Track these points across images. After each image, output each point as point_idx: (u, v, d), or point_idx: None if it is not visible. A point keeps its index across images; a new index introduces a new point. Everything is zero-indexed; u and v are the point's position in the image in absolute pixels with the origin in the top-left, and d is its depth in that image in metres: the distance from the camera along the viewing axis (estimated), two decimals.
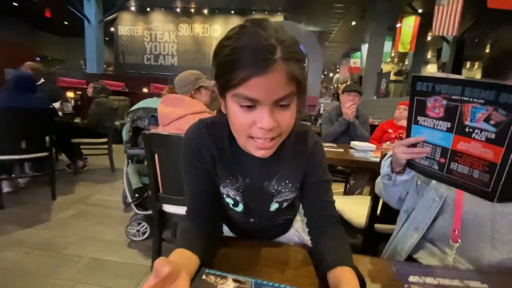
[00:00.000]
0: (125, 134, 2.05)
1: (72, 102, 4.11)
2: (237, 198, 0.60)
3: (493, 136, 0.47)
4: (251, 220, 0.65)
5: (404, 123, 2.55)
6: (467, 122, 0.51)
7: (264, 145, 0.48)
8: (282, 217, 0.71)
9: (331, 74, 23.37)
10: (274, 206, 0.62)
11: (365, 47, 10.25)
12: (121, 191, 2.18)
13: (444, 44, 8.50)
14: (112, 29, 11.12)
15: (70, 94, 4.42)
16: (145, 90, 6.26)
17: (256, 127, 0.46)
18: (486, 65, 0.66)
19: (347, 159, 1.63)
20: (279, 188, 0.60)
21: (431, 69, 14.30)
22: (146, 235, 1.77)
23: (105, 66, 10.73)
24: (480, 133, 0.49)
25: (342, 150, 1.81)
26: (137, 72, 10.29)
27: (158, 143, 1.19)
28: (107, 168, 3.17)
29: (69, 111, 3.42)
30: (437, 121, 0.56)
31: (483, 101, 0.47)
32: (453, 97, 0.52)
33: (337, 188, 2.66)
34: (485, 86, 0.47)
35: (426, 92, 0.56)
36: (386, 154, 0.81)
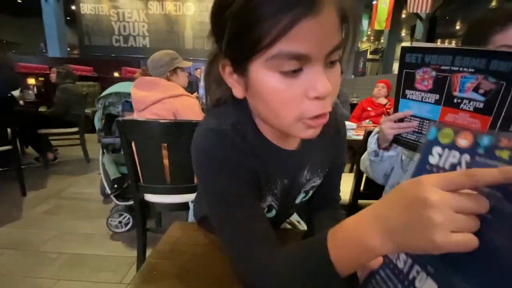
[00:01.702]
0: (98, 122, 1.93)
1: (35, 89, 3.77)
2: (273, 204, 0.48)
3: (481, 105, 0.47)
4: (275, 217, 0.54)
5: (382, 100, 2.61)
6: (456, 93, 0.50)
7: (319, 122, 0.35)
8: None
9: None
10: (301, 197, 0.53)
11: None
12: (98, 183, 2.08)
13: (418, 21, 8.68)
14: (73, 7, 10.15)
15: (31, 81, 4.04)
16: (116, 74, 5.88)
17: (308, 99, 0.32)
18: (465, 35, 0.69)
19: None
20: (310, 177, 0.51)
21: None
22: (129, 226, 1.71)
23: (69, 49, 9.90)
24: (469, 103, 0.48)
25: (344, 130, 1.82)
26: (105, 55, 9.60)
27: (134, 130, 1.12)
28: (81, 159, 2.99)
29: (31, 99, 3.15)
30: (426, 93, 0.55)
31: (473, 70, 0.47)
32: (442, 67, 0.51)
33: None
34: (476, 53, 0.46)
35: (416, 64, 0.55)
36: (370, 131, 0.81)
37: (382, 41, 14.23)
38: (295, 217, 0.75)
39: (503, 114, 0.45)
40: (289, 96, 0.32)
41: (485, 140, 0.24)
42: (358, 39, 0.36)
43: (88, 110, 3.05)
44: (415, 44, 0.55)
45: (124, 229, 1.71)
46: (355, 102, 3.09)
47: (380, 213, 0.27)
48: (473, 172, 0.22)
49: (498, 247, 0.21)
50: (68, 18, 10.07)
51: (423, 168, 0.28)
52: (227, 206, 0.39)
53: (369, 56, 10.78)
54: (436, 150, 0.28)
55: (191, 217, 0.70)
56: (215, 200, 0.40)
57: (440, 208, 0.22)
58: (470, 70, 0.47)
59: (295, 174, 0.48)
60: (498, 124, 0.46)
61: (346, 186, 1.21)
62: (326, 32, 0.31)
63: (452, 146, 0.26)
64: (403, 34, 14.12)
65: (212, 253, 0.47)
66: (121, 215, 1.72)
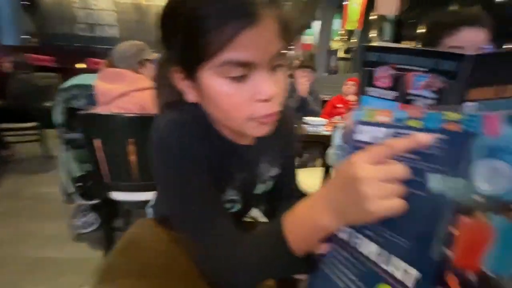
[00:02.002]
0: (57, 116, 1.79)
1: None
2: (235, 198, 0.50)
3: (433, 102, 0.50)
4: (239, 211, 0.55)
5: (351, 97, 2.72)
6: (410, 90, 0.53)
7: (269, 120, 0.38)
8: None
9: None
10: (260, 188, 0.55)
11: (316, 25, 10.44)
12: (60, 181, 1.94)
13: (386, 23, 9.12)
14: None
15: None
16: (81, 65, 5.50)
17: (257, 101, 0.35)
18: (423, 37, 0.74)
19: (301, 134, 1.69)
20: (268, 168, 0.54)
21: None
22: (95, 226, 1.62)
23: (29, 36, 9.05)
24: (422, 100, 0.52)
25: (295, 125, 1.86)
26: (69, 45, 8.91)
27: (97, 124, 1.06)
28: (40, 157, 2.77)
29: None
30: (384, 91, 0.57)
31: (425, 69, 0.50)
32: (399, 66, 0.53)
33: None
34: (428, 54, 0.49)
35: (375, 62, 0.57)
36: (336, 126, 0.84)
37: (354, 40, 14.78)
38: (255, 212, 0.76)
39: None
40: (238, 99, 0.35)
41: (400, 114, 0.29)
42: (297, 45, 0.39)
43: (48, 104, 2.81)
44: (374, 43, 0.58)
45: (89, 229, 1.62)
46: (326, 99, 3.19)
47: (325, 194, 0.31)
48: (392, 143, 0.27)
49: (418, 199, 0.26)
50: (26, 2, 9.17)
51: (353, 146, 0.33)
52: (187, 198, 0.39)
53: (341, 55, 11.14)
54: (362, 128, 0.32)
55: None
56: (176, 192, 0.39)
57: (369, 181, 0.26)
58: (422, 69, 0.50)
59: (252, 167, 0.50)
60: None
61: (316, 179, 1.26)
62: (267, 41, 0.34)
63: (375, 123, 0.31)
64: (373, 35, 14.76)
65: (175, 248, 0.47)
66: (86, 214, 1.62)
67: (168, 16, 0.36)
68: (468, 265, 0.22)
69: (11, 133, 2.63)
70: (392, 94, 0.57)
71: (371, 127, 0.31)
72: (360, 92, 0.64)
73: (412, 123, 0.28)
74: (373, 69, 0.59)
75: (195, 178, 0.39)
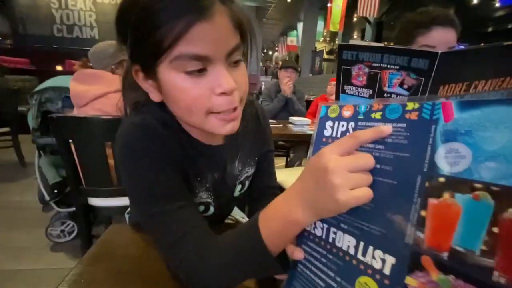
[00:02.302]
0: (32, 120, 1.70)
1: None
2: (209, 200, 0.48)
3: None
4: (215, 214, 0.54)
5: (334, 97, 2.76)
6: (385, 88, 0.54)
7: (231, 116, 0.38)
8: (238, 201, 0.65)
9: (270, 52, 23.67)
10: (237, 189, 0.55)
11: (300, 26, 10.58)
12: (36, 189, 1.84)
13: (367, 25, 9.37)
14: None
15: None
16: (58, 67, 5.30)
17: (216, 95, 0.35)
18: (397, 34, 0.76)
19: (287, 134, 1.70)
20: (242, 167, 0.53)
21: None
22: (73, 235, 1.55)
23: (0, 38, 8.63)
24: (396, 97, 0.52)
25: (281, 125, 1.86)
26: (45, 46, 8.56)
27: (73, 128, 1.01)
28: (14, 163, 2.63)
29: None
30: (361, 89, 0.58)
31: (398, 67, 0.51)
32: (374, 64, 0.54)
33: (279, 162, 2.77)
34: (400, 52, 0.50)
35: (351, 61, 0.58)
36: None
37: (337, 42, 15.10)
38: (239, 214, 0.75)
39: None
40: (196, 93, 0.35)
41: (362, 108, 0.31)
42: (255, 42, 0.41)
43: (23, 108, 2.67)
44: (351, 42, 0.59)
45: (68, 238, 1.55)
46: (311, 99, 3.23)
47: (298, 188, 0.31)
48: (357, 134, 0.28)
49: (387, 187, 0.27)
50: None
51: (321, 141, 0.34)
52: (154, 200, 0.37)
53: (325, 56, 11.35)
54: (328, 124, 0.34)
55: None
56: (142, 196, 0.38)
57: (338, 171, 0.26)
58: (395, 67, 0.51)
59: (225, 167, 0.49)
60: None
61: None
62: (221, 35, 0.34)
63: (340, 118, 0.33)
64: (355, 36, 15.14)
65: (148, 253, 0.45)
66: (63, 223, 1.55)
67: (122, 12, 0.35)
68: (440, 244, 0.23)
69: None
70: (368, 92, 0.58)
71: (336, 122, 0.33)
72: (339, 90, 0.65)
73: (374, 115, 0.29)
74: (350, 67, 0.59)
75: (158, 179, 0.38)
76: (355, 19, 11.47)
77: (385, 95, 0.55)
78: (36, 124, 1.73)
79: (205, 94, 0.35)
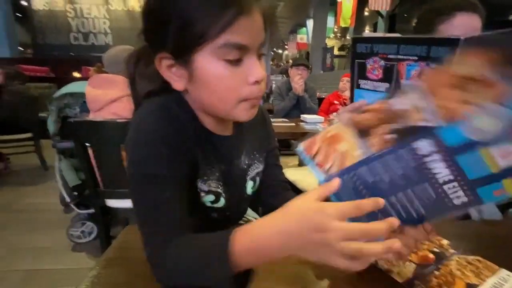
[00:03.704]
0: (51, 126, 1.77)
1: None
2: (219, 190, 0.49)
3: None
4: (227, 213, 0.53)
5: (348, 93, 2.71)
6: (403, 81, 0.51)
7: (256, 103, 0.42)
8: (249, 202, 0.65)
9: (280, 51, 23.56)
10: (249, 186, 0.55)
11: (310, 23, 10.46)
12: (57, 192, 1.91)
13: (379, 18, 9.14)
14: (24, 3, 9.27)
15: None
16: (75, 74, 5.49)
17: (248, 84, 0.38)
18: (415, 24, 0.72)
19: (299, 132, 1.67)
20: (249, 162, 0.54)
21: None
22: (93, 235, 1.60)
23: (22, 48, 9.06)
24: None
25: (293, 124, 1.84)
26: (63, 54, 8.91)
27: (89, 132, 1.04)
28: (37, 167, 2.75)
29: None
30: (377, 82, 0.56)
31: (416, 58, 0.48)
32: (389, 56, 0.52)
33: (292, 161, 2.75)
34: (417, 41, 0.48)
35: (366, 54, 0.56)
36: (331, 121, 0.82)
37: (348, 37, 14.82)
38: (252, 215, 0.74)
39: None
40: (233, 81, 0.38)
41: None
42: (274, 39, 0.42)
43: (44, 114, 2.79)
44: (365, 34, 0.57)
45: (88, 239, 1.60)
46: (323, 96, 3.18)
47: (282, 230, 0.30)
48: (359, 204, 0.29)
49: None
50: (19, 14, 9.19)
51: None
52: (151, 185, 0.38)
53: (336, 52, 11.17)
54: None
55: None
56: (139, 173, 0.38)
57: (338, 240, 0.27)
58: (413, 58, 0.49)
59: (231, 159, 0.50)
60: None
61: (314, 177, 1.24)
62: (257, 28, 0.38)
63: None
64: (366, 31, 14.81)
65: None
66: (83, 224, 1.60)
67: (161, 3, 0.37)
68: None
69: (6, 145, 2.60)
70: (384, 85, 0.56)
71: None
72: (353, 85, 0.62)
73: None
74: (364, 61, 0.57)
75: (162, 160, 0.39)
76: (366, 14, 11.22)
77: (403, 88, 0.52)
78: (55, 129, 1.79)
79: (240, 82, 0.38)
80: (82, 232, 1.59)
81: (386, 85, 0.55)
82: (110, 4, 9.41)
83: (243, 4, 0.35)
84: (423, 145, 0.31)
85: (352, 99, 0.64)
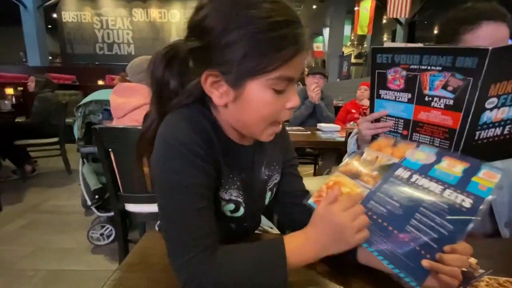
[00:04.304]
0: (77, 131, 1.86)
1: (13, 99, 3.62)
2: (239, 200, 0.50)
3: (451, 102, 0.48)
4: (245, 224, 0.55)
5: (365, 102, 2.66)
6: (426, 91, 0.50)
7: (281, 125, 0.46)
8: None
9: None
10: (268, 196, 0.56)
11: (326, 31, 10.45)
12: (80, 194, 1.99)
13: (398, 26, 8.97)
14: (54, 15, 9.94)
15: (9, 91, 3.88)
16: (100, 82, 5.77)
17: (285, 109, 0.42)
18: (438, 33, 0.70)
19: (315, 141, 1.66)
20: (270, 173, 0.55)
21: None
22: (111, 238, 1.65)
23: (51, 58, 9.65)
24: (439, 100, 0.49)
25: (309, 132, 1.82)
26: (89, 63, 9.42)
27: (112, 138, 1.08)
28: (61, 171, 2.88)
29: (6, 109, 3.01)
30: (398, 93, 0.55)
31: (440, 68, 0.47)
32: (412, 66, 0.51)
33: (307, 169, 2.71)
34: (442, 52, 0.47)
35: (386, 64, 0.55)
36: (351, 132, 0.81)
37: (365, 45, 14.65)
38: (267, 224, 0.74)
39: (472, 109, 0.45)
40: (276, 107, 0.41)
41: None
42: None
43: (69, 120, 2.94)
44: (385, 44, 0.56)
45: (106, 242, 1.64)
46: (340, 105, 3.14)
47: (311, 237, 0.41)
48: (354, 197, 0.42)
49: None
50: (50, 26, 9.83)
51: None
52: (180, 191, 0.38)
53: (353, 60, 11.04)
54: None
55: None
56: (169, 184, 0.39)
57: (348, 224, 0.38)
58: (437, 68, 0.48)
59: (252, 169, 0.51)
60: (469, 120, 0.46)
61: None
62: (305, 62, 0.41)
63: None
64: (384, 39, 14.57)
65: None
66: (103, 227, 1.65)
67: (225, 25, 0.37)
68: None
69: (35, 148, 2.76)
70: (406, 96, 0.54)
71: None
72: (373, 95, 0.61)
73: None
74: (385, 71, 0.56)
75: (190, 172, 0.39)
76: (384, 21, 11.07)
77: (426, 98, 0.51)
78: (80, 135, 1.88)
79: (279, 108, 0.42)
80: (101, 234, 1.64)
81: (408, 95, 0.54)
82: (134, 16, 9.90)
83: (303, 43, 0.38)
84: (401, 171, 0.44)
85: (372, 109, 0.63)
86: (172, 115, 0.43)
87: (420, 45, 0.57)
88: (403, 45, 0.56)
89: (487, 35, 0.64)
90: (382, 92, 0.58)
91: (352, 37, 14.48)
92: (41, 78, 2.82)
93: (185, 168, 0.39)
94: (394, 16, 6.75)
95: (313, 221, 0.41)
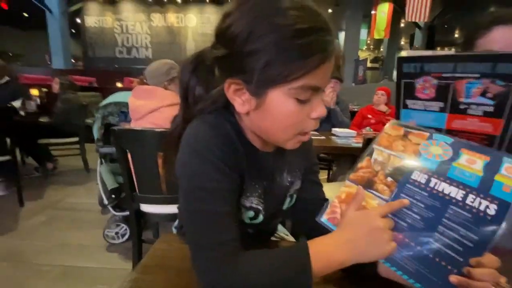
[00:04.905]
0: (96, 132, 1.92)
1: (38, 100, 3.80)
2: (259, 207, 0.49)
3: (491, 109, 0.45)
4: (262, 229, 0.55)
5: (382, 108, 2.60)
6: (462, 99, 0.48)
7: (309, 135, 0.44)
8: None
9: None
10: (287, 202, 0.55)
11: (342, 35, 10.33)
12: (97, 193, 2.05)
13: (417, 30, 8.77)
14: (78, 20, 10.41)
15: (34, 92, 4.08)
16: (118, 84, 5.96)
17: (310, 119, 0.40)
18: (462, 42, 0.69)
19: (330, 146, 1.62)
20: (291, 180, 0.54)
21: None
22: (126, 237, 1.68)
23: (73, 61, 10.08)
24: (477, 107, 0.47)
25: (324, 137, 1.79)
26: (109, 66, 9.76)
27: (129, 139, 1.10)
28: (80, 169, 2.98)
29: (32, 109, 3.16)
30: (429, 102, 0.53)
31: (478, 75, 0.45)
32: (444, 75, 0.49)
33: (321, 175, 2.67)
34: (480, 58, 0.44)
35: (415, 74, 0.53)
36: (369, 139, 0.79)
37: (381, 49, 14.37)
38: (282, 230, 0.73)
39: None
40: (299, 117, 0.40)
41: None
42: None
43: (89, 120, 3.05)
44: (412, 53, 0.54)
45: (121, 240, 1.68)
46: (355, 110, 3.08)
47: (341, 239, 0.38)
48: (392, 204, 0.39)
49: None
50: (73, 31, 10.29)
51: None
52: (204, 196, 0.39)
53: (369, 64, 10.86)
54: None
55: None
56: (192, 187, 0.39)
57: (386, 230, 0.37)
58: (475, 75, 0.45)
59: (273, 175, 0.51)
60: (511, 126, 0.44)
61: None
62: (331, 71, 0.39)
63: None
64: (402, 43, 14.24)
65: None
66: (118, 225, 1.69)
67: (250, 34, 0.36)
68: None
69: (56, 147, 2.87)
70: (438, 105, 0.52)
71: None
72: (399, 105, 0.59)
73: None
74: (413, 80, 0.54)
75: (214, 176, 0.39)
76: (402, 25, 10.83)
77: (461, 106, 0.49)
78: (99, 135, 1.94)
79: (304, 118, 0.40)
80: (116, 233, 1.67)
81: (441, 104, 0.51)
82: (152, 21, 10.20)
83: (328, 52, 0.37)
84: (417, 175, 0.40)
85: (398, 119, 0.61)
86: (198, 120, 0.43)
87: (451, 52, 0.54)
88: (430, 52, 0.53)
89: (499, 38, 0.64)
90: (409, 102, 0.56)
91: (368, 41, 14.25)
92: (65, 80, 2.95)
93: (210, 173, 0.39)
94: (413, 20, 6.59)
95: (344, 224, 0.39)
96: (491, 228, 0.34)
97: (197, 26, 9.86)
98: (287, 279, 0.35)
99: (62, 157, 3.04)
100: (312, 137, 0.56)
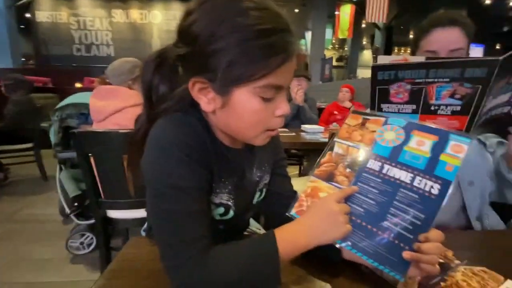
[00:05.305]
0: (53, 136, 1.78)
1: None
2: (229, 203, 0.50)
3: (458, 108, 0.50)
4: (234, 225, 0.55)
5: (347, 104, 2.73)
6: (432, 101, 0.52)
7: (276, 132, 0.45)
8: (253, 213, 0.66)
9: None
10: (256, 197, 0.56)
11: (309, 35, 10.64)
12: (57, 202, 1.90)
13: (376, 30, 9.33)
14: (27, 15, 9.46)
15: None
16: (78, 85, 5.54)
17: (274, 117, 0.42)
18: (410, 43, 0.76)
19: (299, 142, 1.68)
20: (261, 174, 0.55)
21: (367, 54, 15.60)
22: (92, 247, 1.58)
23: (24, 59, 9.17)
24: (446, 108, 0.51)
25: (294, 134, 1.85)
26: (66, 65, 9.03)
27: (92, 142, 1.04)
28: (36, 178, 2.73)
29: None
30: (402, 105, 0.56)
31: (448, 80, 0.49)
32: (417, 80, 0.52)
33: (292, 170, 2.75)
34: (450, 65, 0.48)
35: (389, 80, 0.55)
36: (333, 133, 0.83)
37: (346, 48, 15.06)
38: (255, 225, 0.74)
39: (479, 111, 0.48)
40: (264, 115, 0.41)
41: None
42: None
43: (45, 124, 2.80)
44: (381, 59, 0.57)
45: (87, 250, 1.58)
46: (323, 106, 3.20)
47: (304, 223, 0.42)
48: (346, 191, 0.44)
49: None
50: (22, 26, 9.35)
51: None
52: (173, 194, 0.38)
53: (334, 63, 11.33)
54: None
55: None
56: (162, 186, 0.38)
57: (341, 213, 0.41)
58: (445, 80, 0.50)
59: (243, 172, 0.51)
60: (475, 120, 0.49)
61: None
62: (293, 70, 0.41)
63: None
64: (364, 42, 15.06)
65: None
66: (83, 235, 1.58)
67: (211, 33, 0.36)
68: None
69: (7, 154, 2.60)
70: (410, 107, 0.56)
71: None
72: (374, 109, 0.62)
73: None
74: (388, 86, 0.57)
75: (184, 174, 0.39)
76: (363, 25, 11.45)
77: (432, 107, 0.53)
78: (57, 139, 1.80)
79: (269, 115, 0.41)
80: (81, 243, 1.57)
81: (413, 106, 0.55)
82: (113, 17, 9.61)
83: (289, 52, 0.38)
84: (372, 163, 0.45)
85: None
86: (164, 119, 0.42)
87: (422, 58, 0.59)
88: (403, 60, 0.57)
89: (437, 40, 0.71)
90: (383, 105, 0.58)
91: (334, 41, 14.84)
92: (9, 80, 2.64)
93: (179, 171, 0.39)
94: (372, 21, 7.01)
95: (305, 212, 0.44)
96: (435, 205, 0.38)
97: (163, 23, 9.50)
98: (257, 265, 0.37)
99: (15, 165, 2.77)
100: (283, 134, 0.57)
